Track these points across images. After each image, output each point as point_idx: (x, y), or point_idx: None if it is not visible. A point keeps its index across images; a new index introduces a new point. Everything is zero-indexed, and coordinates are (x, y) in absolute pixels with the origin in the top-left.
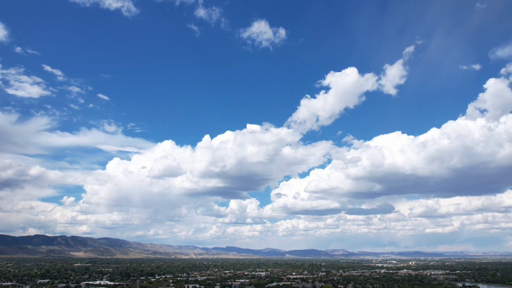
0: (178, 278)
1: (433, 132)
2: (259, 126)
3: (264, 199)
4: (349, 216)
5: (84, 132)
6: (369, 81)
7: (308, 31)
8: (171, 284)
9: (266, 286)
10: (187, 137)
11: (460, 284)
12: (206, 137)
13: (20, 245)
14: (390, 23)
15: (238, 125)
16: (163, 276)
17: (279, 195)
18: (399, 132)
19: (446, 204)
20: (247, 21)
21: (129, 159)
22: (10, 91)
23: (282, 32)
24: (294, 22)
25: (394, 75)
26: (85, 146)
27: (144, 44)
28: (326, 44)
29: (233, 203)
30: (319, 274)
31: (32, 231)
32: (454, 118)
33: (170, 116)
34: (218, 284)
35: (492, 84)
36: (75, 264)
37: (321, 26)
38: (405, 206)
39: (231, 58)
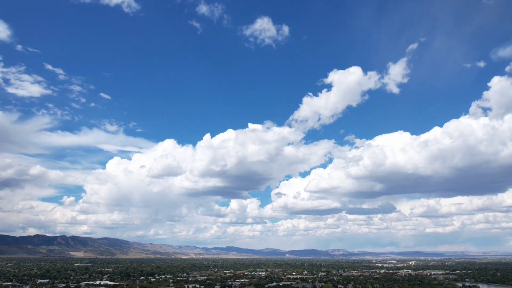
0: (178, 278)
1: (436, 131)
2: (261, 125)
3: (265, 199)
4: (349, 216)
5: (85, 132)
6: (372, 80)
7: (311, 29)
8: (171, 284)
9: (266, 286)
10: (189, 136)
11: (460, 284)
12: (207, 136)
13: (20, 245)
14: (393, 21)
15: (240, 124)
16: (163, 276)
17: (279, 194)
18: (401, 131)
19: (447, 203)
20: (250, 18)
21: (130, 159)
22: (11, 90)
23: (285, 29)
24: (297, 19)
25: (397, 73)
26: (86, 145)
27: (145, 41)
28: (329, 42)
29: (234, 203)
30: (319, 274)
31: (32, 231)
32: (457, 117)
33: (172, 115)
34: (218, 284)
35: (496, 82)
36: (75, 264)
37: (324, 24)
38: (406, 206)
39: (233, 56)
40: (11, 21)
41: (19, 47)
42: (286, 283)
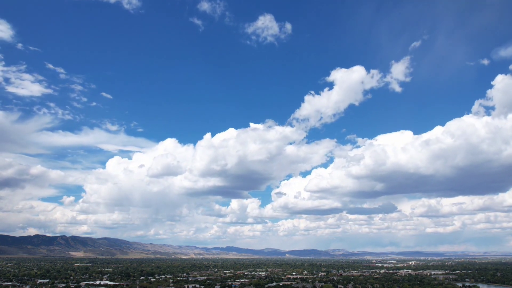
0: (178, 278)
1: (438, 130)
2: (262, 124)
3: (265, 199)
4: (350, 216)
5: (86, 132)
6: (374, 78)
7: (314, 27)
8: (171, 284)
9: (266, 286)
10: (190, 135)
11: (460, 284)
12: (207, 135)
13: (20, 245)
14: (395, 19)
15: (242, 123)
16: (163, 276)
17: (280, 194)
18: (403, 130)
19: (448, 203)
20: (252, 15)
21: (131, 159)
22: (11, 89)
23: (288, 27)
24: (300, 17)
25: (399, 72)
26: (87, 145)
27: (146, 40)
28: (331, 40)
29: (234, 203)
30: (319, 274)
31: (32, 231)
32: (460, 116)
33: (173, 115)
34: (218, 284)
35: (500, 80)
36: (75, 264)
37: (327, 22)
38: (407, 206)
39: (235, 54)
40: (13, 21)
41: (19, 45)
42: (286, 283)
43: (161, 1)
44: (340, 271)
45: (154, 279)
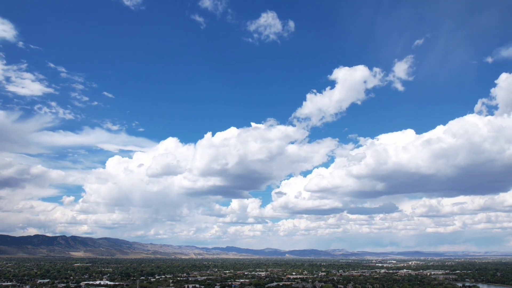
0: (178, 278)
1: (441, 129)
2: (263, 124)
3: (266, 199)
4: (351, 216)
5: (87, 131)
6: (377, 77)
7: (316, 25)
8: (171, 284)
9: (266, 286)
10: (192, 135)
11: (460, 284)
12: (208, 134)
13: (20, 245)
14: (398, 18)
15: (243, 122)
16: (163, 276)
17: (280, 194)
18: (406, 130)
19: (449, 203)
20: (255, 12)
21: (132, 158)
22: (12, 88)
23: (291, 24)
24: (303, 15)
25: (402, 71)
26: (88, 145)
27: (148, 38)
28: (334, 38)
29: (235, 203)
30: (319, 274)
31: (32, 231)
32: (463, 115)
33: (175, 114)
34: (218, 284)
35: (504, 78)
36: (75, 264)
37: (330, 20)
38: (407, 206)
39: (237, 52)
40: (16, 21)
41: (20, 44)
42: (286, 283)
43: None
44: (340, 271)
45: (154, 279)
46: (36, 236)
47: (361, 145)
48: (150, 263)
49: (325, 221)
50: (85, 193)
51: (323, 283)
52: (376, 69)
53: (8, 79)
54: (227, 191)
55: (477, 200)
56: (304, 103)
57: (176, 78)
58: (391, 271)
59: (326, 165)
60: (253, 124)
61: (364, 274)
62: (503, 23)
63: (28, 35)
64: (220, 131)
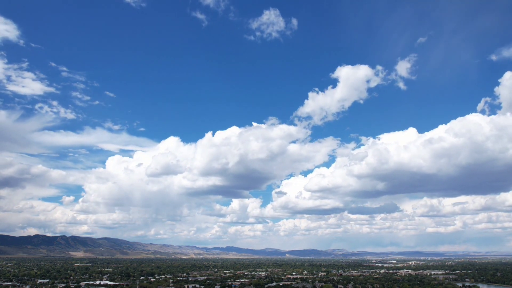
0: (178, 278)
1: (443, 128)
2: (264, 123)
3: (267, 199)
4: (352, 216)
5: (88, 131)
6: (379, 76)
7: (319, 23)
8: (171, 284)
9: (266, 286)
10: (194, 134)
11: (460, 284)
12: (209, 134)
13: (20, 245)
14: (401, 16)
15: (245, 121)
16: (163, 276)
17: (280, 194)
18: (408, 129)
19: (450, 203)
20: (258, 9)
21: (132, 158)
22: (13, 87)
23: (294, 22)
24: (305, 13)
25: (405, 69)
26: (89, 145)
27: (148, 35)
28: (337, 36)
29: (235, 203)
30: (319, 274)
31: (32, 231)
32: (465, 114)
33: (176, 113)
34: (218, 284)
35: (508, 77)
36: (75, 264)
37: (332, 18)
38: (408, 205)
39: (239, 50)
40: (19, 21)
41: (21, 42)
42: (286, 283)
43: None
44: (340, 271)
45: (154, 279)
46: (36, 236)
47: (362, 144)
48: (150, 263)
49: (325, 221)
50: (85, 193)
51: (323, 283)
52: (379, 68)
53: (9, 78)
54: (228, 190)
55: (478, 200)
56: (306, 101)
57: (178, 76)
58: (391, 271)
59: (327, 164)
60: (254, 123)
61: (364, 274)
62: (506, 22)
63: (29, 34)
64: (222, 130)
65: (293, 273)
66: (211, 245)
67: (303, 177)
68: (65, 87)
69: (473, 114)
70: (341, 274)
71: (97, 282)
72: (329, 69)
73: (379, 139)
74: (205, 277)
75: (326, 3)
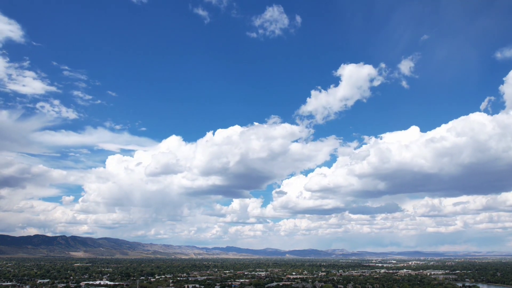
0: (178, 278)
1: (446, 127)
2: (267, 121)
3: (267, 198)
4: (352, 216)
5: (90, 131)
6: (382, 75)
7: (322, 21)
8: (171, 284)
9: (266, 286)
10: (196, 133)
11: (460, 284)
12: (209, 133)
13: (20, 245)
14: (405, 15)
15: (247, 120)
16: (163, 276)
17: (281, 193)
18: (411, 128)
19: (452, 203)
20: (261, 5)
21: (133, 157)
22: (14, 86)
23: (298, 19)
24: (310, 10)
25: (408, 68)
26: (91, 145)
27: (150, 33)
28: (340, 35)
29: (236, 202)
30: (319, 274)
31: (32, 231)
32: (468, 113)
33: (177, 113)
34: (218, 284)
35: None
36: (75, 264)
37: (335, 16)
38: (409, 205)
39: (241, 47)
40: (23, 21)
41: (23, 41)
42: (286, 283)
43: None
44: (340, 271)
45: (154, 279)
46: (36, 236)
47: (365, 144)
48: (150, 263)
49: (326, 221)
50: (85, 193)
51: (323, 283)
52: (382, 66)
53: (10, 77)
54: (228, 190)
55: (479, 200)
56: (308, 100)
57: (179, 75)
58: (391, 271)
59: (329, 163)
60: (255, 123)
61: (364, 274)
62: (510, 21)
63: (31, 33)
64: (223, 129)
65: (293, 273)
66: (211, 245)
67: (304, 177)
68: (67, 86)
69: (477, 113)
70: (341, 274)
71: (97, 282)
72: (332, 67)
73: (381, 139)
74: (205, 277)
75: (330, 1)
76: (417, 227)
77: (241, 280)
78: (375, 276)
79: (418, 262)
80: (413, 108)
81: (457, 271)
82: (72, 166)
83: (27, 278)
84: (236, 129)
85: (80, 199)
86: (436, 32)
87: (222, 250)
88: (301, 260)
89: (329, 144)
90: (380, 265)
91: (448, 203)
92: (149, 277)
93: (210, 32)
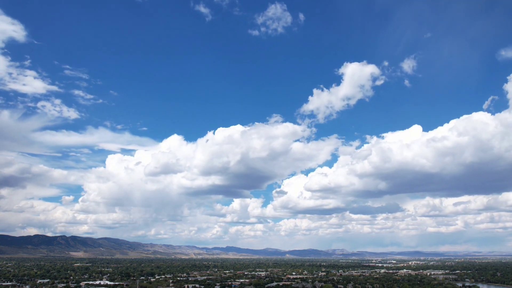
0: (178, 278)
1: (448, 127)
2: (268, 120)
3: (268, 198)
4: (353, 216)
5: (91, 131)
6: (385, 73)
7: (324, 19)
8: (171, 284)
9: (266, 286)
10: (197, 133)
11: (460, 284)
12: (210, 133)
13: (20, 245)
14: (408, 13)
15: (249, 118)
16: (163, 276)
17: (282, 193)
18: (413, 127)
19: (453, 203)
20: (263, 3)
21: (133, 157)
22: (15, 86)
23: (301, 17)
24: (313, 8)
25: (411, 67)
26: (92, 144)
27: (151, 31)
28: (342, 33)
29: (236, 202)
30: (319, 274)
31: (32, 231)
32: (471, 112)
33: (179, 112)
34: (218, 284)
35: None
36: (75, 264)
37: (337, 15)
38: (410, 205)
39: (243, 45)
40: (26, 21)
41: (24, 40)
42: (286, 283)
43: None
44: (340, 271)
45: (154, 279)
46: (36, 236)
47: (367, 143)
48: (150, 263)
49: (326, 221)
50: (85, 193)
51: (323, 283)
52: (385, 65)
53: (11, 76)
54: (229, 190)
55: (480, 200)
56: (310, 98)
57: (181, 74)
58: (391, 271)
59: (330, 163)
60: (257, 123)
61: (364, 274)
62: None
63: (32, 32)
64: (225, 128)
65: (293, 273)
66: (211, 245)
67: (304, 176)
68: (68, 85)
69: (480, 112)
70: (341, 274)
71: (97, 282)
72: (335, 65)
73: (383, 138)
74: (205, 277)
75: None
76: (417, 227)
77: (241, 280)
78: (375, 276)
79: (418, 262)
80: (416, 107)
81: (457, 271)
82: (73, 166)
83: (27, 278)
84: (237, 128)
85: (80, 199)
86: (439, 30)
87: (222, 250)
88: (301, 260)
89: (331, 143)
90: (380, 265)
91: (449, 203)
92: (149, 277)
93: (211, 30)
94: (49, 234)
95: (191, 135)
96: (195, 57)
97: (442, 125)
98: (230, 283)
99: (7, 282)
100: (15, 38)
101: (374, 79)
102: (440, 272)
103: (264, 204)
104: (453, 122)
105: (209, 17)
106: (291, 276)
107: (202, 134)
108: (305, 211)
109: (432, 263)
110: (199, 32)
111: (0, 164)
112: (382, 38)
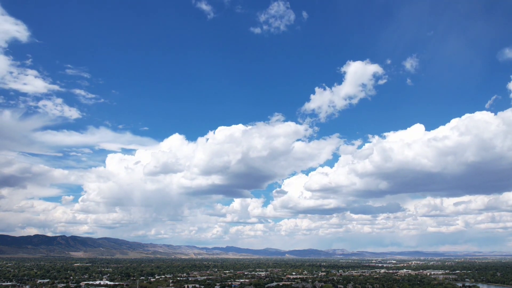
0: (178, 278)
1: (450, 126)
2: (269, 119)
3: (269, 198)
4: (354, 216)
5: (92, 131)
6: (387, 72)
7: (328, 16)
8: (171, 284)
9: (266, 286)
10: (199, 132)
11: (460, 284)
12: (211, 132)
13: (20, 245)
14: (410, 12)
15: (250, 117)
16: (163, 276)
17: (282, 193)
18: (416, 126)
19: (453, 202)
20: (265, 0)
21: (134, 156)
22: (16, 85)
23: (305, 15)
24: (316, 6)
25: (413, 66)
26: (93, 144)
27: (153, 30)
28: (344, 32)
29: (236, 202)
30: (319, 274)
31: (32, 231)
32: (474, 111)
33: (180, 112)
34: (218, 284)
35: None
36: (75, 264)
37: (339, 14)
38: (411, 205)
39: (245, 43)
40: (29, 21)
41: (26, 40)
42: (286, 283)
43: None
44: (340, 271)
45: (154, 279)
46: (36, 236)
47: (369, 142)
48: (150, 263)
49: (327, 221)
50: (85, 193)
51: (323, 283)
52: (387, 63)
53: (12, 75)
54: (229, 190)
55: (481, 199)
56: (312, 97)
57: (182, 73)
58: (391, 271)
59: (331, 163)
60: (258, 122)
61: (364, 274)
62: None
63: (34, 31)
64: (226, 127)
65: (293, 273)
66: (211, 245)
67: (305, 176)
68: (69, 85)
69: (483, 111)
70: (341, 274)
71: (97, 282)
72: (337, 64)
73: (385, 137)
74: (205, 277)
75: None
76: (418, 227)
77: (241, 280)
78: (375, 276)
79: (418, 262)
80: (418, 106)
81: (457, 271)
82: (73, 166)
83: (27, 278)
84: (238, 127)
85: (80, 199)
86: (441, 29)
87: (222, 250)
88: (301, 260)
89: (332, 142)
90: (380, 265)
91: (449, 203)
92: (149, 277)
93: (213, 28)
94: (49, 234)
95: (193, 135)
96: (197, 56)
97: (444, 124)
98: (230, 283)
99: (7, 282)
100: (18, 38)
101: (377, 78)
102: (440, 272)
103: (265, 204)
104: (455, 121)
105: (211, 14)
106: (291, 276)
107: (204, 133)
108: (306, 211)
109: (432, 263)
110: (200, 30)
111: (1, 163)
112: (384, 37)
